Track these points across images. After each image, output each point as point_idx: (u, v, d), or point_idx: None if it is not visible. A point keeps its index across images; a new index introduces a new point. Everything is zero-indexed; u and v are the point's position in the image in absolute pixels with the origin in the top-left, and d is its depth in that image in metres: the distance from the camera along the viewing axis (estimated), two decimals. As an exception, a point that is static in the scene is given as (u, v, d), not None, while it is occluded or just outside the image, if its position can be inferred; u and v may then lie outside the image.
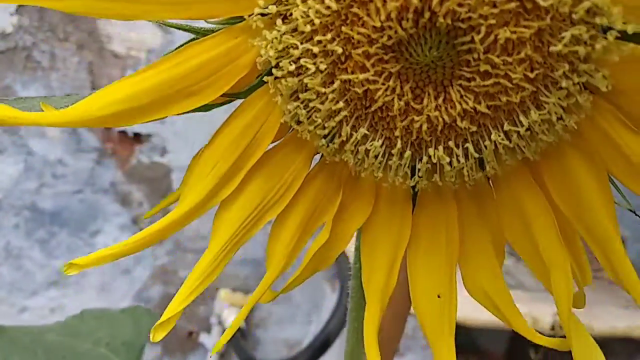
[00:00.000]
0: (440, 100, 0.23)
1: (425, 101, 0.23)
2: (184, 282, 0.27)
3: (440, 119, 0.23)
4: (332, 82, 0.22)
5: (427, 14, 0.20)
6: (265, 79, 0.24)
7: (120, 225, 1.28)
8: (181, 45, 0.25)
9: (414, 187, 0.27)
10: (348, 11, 0.21)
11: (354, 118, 0.24)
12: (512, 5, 0.20)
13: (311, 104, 0.23)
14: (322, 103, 0.23)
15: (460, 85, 0.22)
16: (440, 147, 0.24)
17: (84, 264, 0.26)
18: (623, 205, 0.27)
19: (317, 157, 0.28)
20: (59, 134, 1.19)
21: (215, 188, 0.26)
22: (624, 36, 0.21)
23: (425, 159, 0.24)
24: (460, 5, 0.19)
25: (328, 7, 0.21)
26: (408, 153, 0.24)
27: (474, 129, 0.23)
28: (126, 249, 0.26)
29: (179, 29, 0.25)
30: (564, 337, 0.27)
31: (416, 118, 0.23)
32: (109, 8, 0.22)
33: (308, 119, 0.24)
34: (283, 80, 0.23)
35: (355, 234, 0.33)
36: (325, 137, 0.25)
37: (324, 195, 0.28)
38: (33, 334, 0.58)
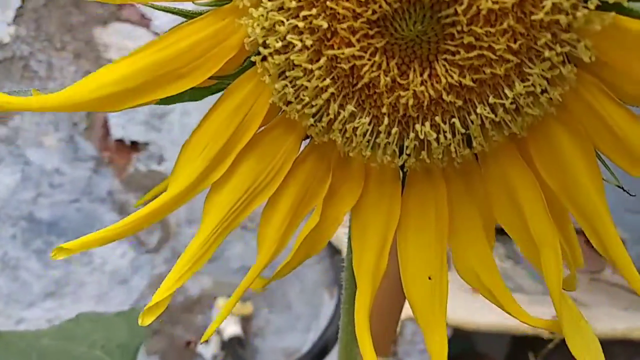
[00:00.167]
0: (425, 75, 0.23)
1: (411, 76, 0.23)
2: (174, 266, 0.27)
3: (426, 94, 0.23)
4: (319, 59, 0.23)
5: (410, -14, 0.20)
6: (253, 58, 0.24)
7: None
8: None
9: (402, 168, 0.28)
10: (333, -15, 0.21)
11: (341, 96, 0.24)
12: (493, -25, 0.20)
13: (298, 82, 0.24)
14: (309, 80, 0.23)
15: (445, 59, 0.22)
16: (427, 123, 0.24)
17: (73, 247, 0.26)
18: (611, 182, 0.27)
19: (306, 143, 0.29)
20: (56, 143, 1.20)
21: (205, 171, 0.26)
22: (605, 6, 0.21)
23: (412, 135, 0.24)
24: (441, -25, 0.20)
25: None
26: (395, 130, 0.24)
27: (460, 103, 0.23)
28: (115, 233, 0.26)
29: (167, 11, 0.25)
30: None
31: (402, 94, 0.23)
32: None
33: (296, 97, 0.24)
34: (270, 58, 0.23)
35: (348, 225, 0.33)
36: (313, 116, 0.25)
37: (314, 178, 0.28)
38: (28, 339, 0.58)
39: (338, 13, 0.22)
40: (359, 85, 0.23)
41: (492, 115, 0.23)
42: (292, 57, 0.23)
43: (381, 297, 0.40)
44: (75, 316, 0.59)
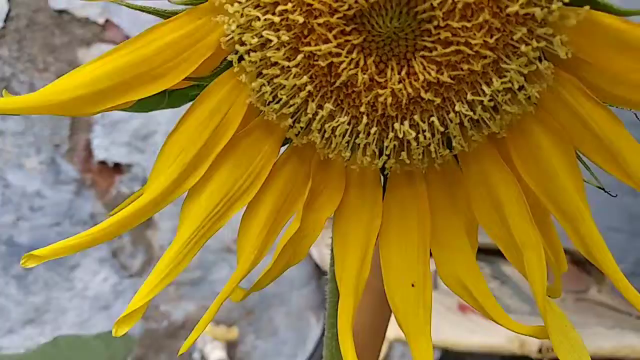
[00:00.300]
0: (403, 73, 0.23)
1: (389, 74, 0.23)
2: (149, 275, 0.26)
3: (405, 92, 0.23)
4: (296, 56, 0.22)
5: (385, -19, 0.20)
6: (230, 57, 0.24)
7: (99, 259, 1.26)
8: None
9: (383, 172, 0.27)
10: (308, -20, 0.21)
11: (320, 95, 0.24)
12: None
13: (276, 80, 0.23)
14: (287, 79, 0.23)
15: (422, 56, 0.22)
16: (406, 122, 0.23)
17: (45, 254, 0.25)
18: (591, 183, 0.27)
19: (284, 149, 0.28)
20: (37, 165, 1.18)
21: (181, 176, 0.26)
22: (580, 1, 0.21)
23: (391, 135, 0.24)
24: (417, -31, 0.20)
25: (288, -24, 0.21)
26: (375, 129, 0.24)
27: (439, 101, 0.23)
28: (88, 240, 0.25)
29: (142, 10, 0.25)
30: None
31: (380, 92, 0.23)
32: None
33: (274, 97, 0.24)
34: (247, 56, 0.23)
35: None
36: (292, 116, 0.24)
37: (294, 183, 0.27)
38: (4, 363, 0.56)
39: (314, 8, 0.21)
40: (337, 84, 0.23)
41: (471, 113, 0.23)
42: (268, 54, 0.23)
43: (365, 314, 0.39)
44: (53, 339, 0.57)
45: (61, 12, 1.20)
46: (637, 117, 0.26)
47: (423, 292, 0.27)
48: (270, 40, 0.22)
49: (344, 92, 0.24)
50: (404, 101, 0.23)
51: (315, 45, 0.22)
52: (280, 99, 0.24)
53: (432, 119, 0.23)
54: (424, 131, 0.24)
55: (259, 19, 0.22)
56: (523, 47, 0.22)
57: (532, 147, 0.25)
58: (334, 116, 0.24)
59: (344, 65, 0.22)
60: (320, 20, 0.21)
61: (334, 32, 0.22)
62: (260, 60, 0.23)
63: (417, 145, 0.24)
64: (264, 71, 0.23)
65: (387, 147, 0.24)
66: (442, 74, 0.22)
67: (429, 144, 0.24)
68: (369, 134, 0.24)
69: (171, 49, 0.24)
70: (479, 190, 0.26)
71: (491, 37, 0.21)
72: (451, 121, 0.23)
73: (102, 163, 1.22)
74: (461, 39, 0.21)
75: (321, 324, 1.38)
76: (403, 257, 0.27)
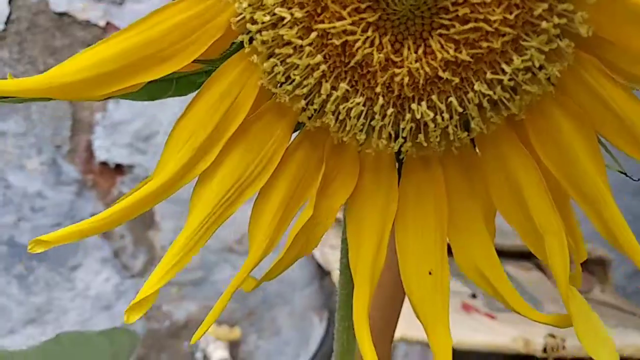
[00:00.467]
0: (420, 52, 0.22)
1: (405, 53, 0.22)
2: (159, 263, 0.26)
3: (422, 71, 0.22)
4: (309, 34, 0.22)
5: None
6: (240, 37, 0.23)
7: (101, 259, 1.25)
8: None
9: (398, 157, 0.27)
10: (322, -45, 0.20)
11: (334, 76, 0.23)
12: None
13: (289, 60, 0.23)
14: (300, 58, 0.22)
15: (440, 34, 0.22)
16: (424, 103, 0.23)
17: (51, 240, 0.24)
18: (613, 168, 0.26)
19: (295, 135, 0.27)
20: (39, 166, 1.18)
21: (191, 161, 0.25)
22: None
23: (408, 116, 0.23)
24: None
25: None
26: (391, 111, 0.23)
27: (457, 81, 0.22)
28: (96, 226, 0.25)
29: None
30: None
31: (397, 71, 0.22)
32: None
33: (286, 78, 0.23)
34: (259, 35, 0.22)
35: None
36: (305, 98, 0.24)
37: (306, 169, 0.27)
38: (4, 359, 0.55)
39: (329, -16, 0.21)
40: (352, 64, 0.23)
41: (490, 93, 0.22)
42: (281, 33, 0.22)
43: (374, 310, 0.38)
44: (55, 336, 0.57)
45: (62, 14, 1.19)
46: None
47: (441, 279, 0.27)
48: (283, 18, 0.22)
49: (358, 73, 0.23)
50: (421, 81, 0.22)
51: (329, 22, 0.21)
52: (294, 80, 0.23)
53: (450, 99, 0.23)
54: (441, 112, 0.23)
55: (272, -4, 0.21)
56: (544, 24, 0.21)
57: (552, 129, 0.24)
58: (348, 97, 0.23)
59: (358, 44, 0.22)
60: (335, -4, 0.21)
61: (348, 9, 0.21)
62: (273, 39, 0.23)
63: (435, 127, 0.23)
64: (277, 51, 0.23)
65: (403, 129, 0.24)
66: (460, 52, 0.22)
67: (447, 126, 0.23)
68: (385, 115, 0.23)
69: (180, 30, 0.23)
70: (497, 175, 0.26)
71: (510, 13, 0.21)
72: (470, 102, 0.23)
73: (104, 164, 1.22)
74: (480, 16, 0.21)
75: (324, 324, 1.37)
76: (420, 243, 0.27)
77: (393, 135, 0.24)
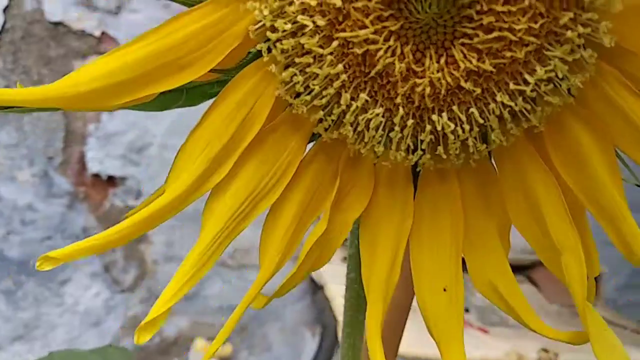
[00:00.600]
0: (442, 62, 0.22)
1: (427, 63, 0.22)
2: (170, 280, 0.25)
3: (444, 82, 0.22)
4: (330, 43, 0.21)
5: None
6: (259, 46, 0.23)
7: (91, 274, 1.23)
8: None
9: (414, 171, 0.26)
10: (346, -37, 0.20)
11: (353, 86, 0.23)
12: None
13: (308, 70, 0.22)
14: (321, 67, 0.22)
15: (462, 43, 0.21)
16: (444, 114, 0.22)
17: (61, 256, 0.23)
18: (629, 181, 0.26)
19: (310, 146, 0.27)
20: (30, 178, 1.16)
21: (205, 173, 0.24)
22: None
23: (428, 128, 0.23)
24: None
25: (327, -43, 0.20)
26: (411, 122, 0.23)
27: (478, 92, 0.22)
28: (106, 241, 0.24)
29: (167, -1, 0.24)
30: None
31: (418, 81, 0.22)
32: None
33: (305, 88, 0.23)
34: (278, 44, 0.22)
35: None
36: (323, 108, 0.23)
37: (320, 182, 0.26)
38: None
39: (351, -9, 0.20)
40: (372, 74, 0.22)
41: (512, 104, 0.22)
42: (302, 41, 0.22)
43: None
44: (48, 354, 0.55)
45: (57, 24, 1.19)
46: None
47: (456, 296, 0.26)
48: (304, 26, 0.21)
49: (378, 83, 0.23)
50: (443, 92, 0.22)
51: (352, 31, 0.21)
52: (312, 90, 0.23)
53: (471, 110, 0.22)
54: (462, 123, 0.23)
55: (293, 3, 0.21)
56: (569, 33, 0.21)
57: (571, 143, 0.24)
58: (367, 108, 0.23)
59: (380, 54, 0.21)
60: (358, 5, 0.20)
61: (370, 17, 0.21)
62: (292, 48, 0.22)
63: (455, 138, 0.23)
64: (296, 60, 0.22)
65: (422, 141, 0.23)
66: (483, 62, 0.21)
67: (467, 138, 0.23)
68: (404, 126, 0.23)
69: (196, 39, 0.23)
70: (514, 189, 0.25)
71: (535, 22, 0.20)
72: (491, 113, 0.22)
73: (96, 176, 1.20)
74: (504, 25, 0.21)
75: (317, 339, 1.36)
76: (435, 259, 0.26)
77: (412, 147, 0.24)
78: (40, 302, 1.17)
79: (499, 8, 0.20)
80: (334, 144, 0.25)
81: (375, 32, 0.21)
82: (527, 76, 0.22)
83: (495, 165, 0.26)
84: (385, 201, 0.26)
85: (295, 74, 0.23)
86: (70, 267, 1.18)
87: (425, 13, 0.21)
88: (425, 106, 0.23)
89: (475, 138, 0.23)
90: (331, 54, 0.22)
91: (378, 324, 0.26)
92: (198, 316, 1.30)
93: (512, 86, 0.22)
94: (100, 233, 0.24)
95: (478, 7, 0.20)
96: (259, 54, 0.24)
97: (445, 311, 0.26)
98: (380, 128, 0.23)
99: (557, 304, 1.33)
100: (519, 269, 1.34)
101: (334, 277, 1.22)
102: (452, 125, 0.23)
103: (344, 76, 0.22)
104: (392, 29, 0.21)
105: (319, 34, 0.21)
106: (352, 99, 0.23)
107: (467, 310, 1.18)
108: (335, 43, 0.21)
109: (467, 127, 0.23)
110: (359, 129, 0.24)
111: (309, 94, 0.23)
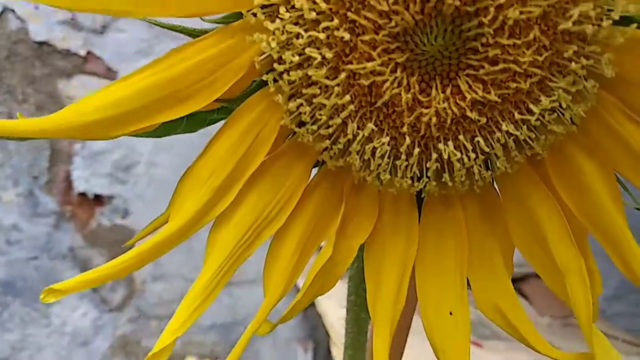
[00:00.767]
0: (448, 92, 0.22)
1: (432, 93, 0.22)
2: (176, 310, 0.25)
3: (450, 111, 0.22)
4: (338, 74, 0.22)
5: (434, -3, 0.20)
6: (265, 77, 0.23)
7: (78, 293, 1.21)
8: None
9: (418, 197, 0.26)
10: (354, -4, 0.20)
11: (359, 116, 0.23)
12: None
13: (315, 100, 0.22)
14: (328, 98, 0.22)
15: (467, 74, 0.22)
16: (450, 143, 0.23)
17: (65, 288, 0.23)
18: (630, 205, 0.26)
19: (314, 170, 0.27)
20: (15, 198, 1.14)
21: (210, 202, 0.24)
22: (626, 21, 0.21)
23: (434, 156, 0.23)
24: (468, -15, 0.19)
25: (335, -9, 0.20)
26: (417, 150, 0.23)
27: (483, 121, 0.22)
28: (112, 272, 0.24)
29: (171, 29, 0.24)
30: None
31: (424, 112, 0.22)
32: (96, 2, 0.21)
33: (312, 117, 0.23)
34: (285, 75, 0.22)
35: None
36: (329, 137, 0.23)
37: (324, 209, 0.26)
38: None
39: (359, 25, 0.21)
40: (378, 104, 0.22)
41: (517, 132, 0.22)
42: (309, 73, 0.22)
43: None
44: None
45: (42, 43, 1.18)
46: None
47: (462, 319, 0.26)
48: (312, 58, 0.21)
49: (384, 112, 0.23)
50: (448, 121, 0.22)
51: (359, 63, 0.21)
52: (319, 120, 0.23)
53: (476, 139, 0.23)
54: (467, 152, 0.23)
55: (302, 36, 0.21)
56: (572, 65, 0.21)
57: (573, 169, 0.24)
58: (373, 137, 0.23)
59: (387, 85, 0.22)
60: (366, 38, 0.21)
61: (377, 50, 0.21)
62: (300, 79, 0.22)
63: (461, 166, 0.23)
64: (303, 90, 0.22)
65: (428, 169, 0.23)
66: (488, 92, 0.21)
67: (472, 166, 0.23)
68: (410, 155, 0.23)
69: (201, 69, 0.23)
70: (517, 214, 0.26)
71: (540, 55, 0.21)
72: (496, 141, 0.23)
73: (82, 195, 1.19)
74: (510, 57, 0.21)
75: (309, 356, 1.35)
76: (440, 284, 0.26)
77: (417, 175, 0.24)
78: (27, 323, 1.15)
79: (505, 41, 0.20)
80: (339, 171, 0.25)
81: (382, 64, 0.21)
82: (531, 106, 0.22)
83: (498, 190, 0.26)
84: (389, 227, 0.26)
85: (302, 104, 0.23)
86: (56, 287, 1.16)
87: (431, 45, 0.21)
88: (431, 135, 0.23)
89: (480, 165, 0.24)
90: (338, 85, 0.22)
91: (386, 350, 0.26)
92: (189, 336, 1.28)
93: (517, 116, 0.22)
94: (104, 264, 0.24)
95: (483, 40, 0.21)
96: (262, 83, 0.24)
97: (451, 335, 0.26)
98: (387, 156, 0.23)
99: (548, 316, 1.34)
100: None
101: (327, 294, 1.21)
102: (458, 154, 0.23)
103: (350, 106, 0.22)
104: (399, 60, 0.21)
105: (326, 65, 0.21)
106: (359, 128, 0.23)
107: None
108: (342, 75, 0.21)
109: (472, 155, 0.23)
110: (365, 157, 0.24)
111: (314, 123, 0.23)
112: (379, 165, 0.24)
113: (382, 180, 0.24)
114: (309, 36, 0.21)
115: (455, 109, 0.22)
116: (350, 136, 0.23)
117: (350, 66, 0.21)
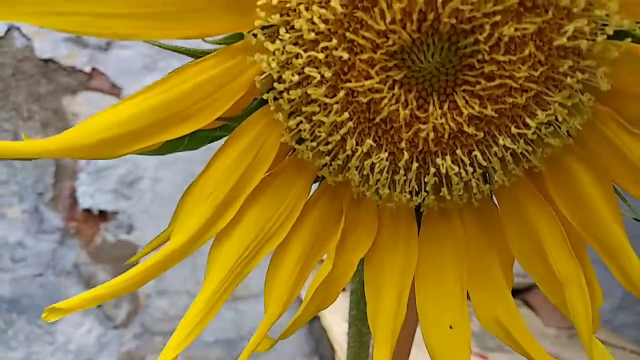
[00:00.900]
0: (445, 108, 0.22)
1: (430, 109, 0.22)
2: (178, 326, 0.25)
3: (447, 127, 0.22)
4: (337, 93, 0.22)
5: (430, 16, 0.20)
6: (265, 96, 0.23)
7: (83, 310, 1.21)
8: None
9: (417, 210, 0.27)
10: (352, 16, 0.21)
11: (358, 132, 0.23)
12: (513, 1, 0.20)
13: (315, 118, 0.23)
14: (327, 115, 0.22)
15: (464, 90, 0.22)
16: (448, 157, 0.23)
17: (67, 307, 0.23)
18: (628, 216, 0.27)
19: (315, 186, 0.27)
20: (20, 214, 1.15)
21: (212, 218, 0.25)
22: (620, 35, 0.21)
23: (432, 170, 0.23)
24: (463, 3, 0.20)
25: (334, 12, 0.20)
26: (415, 165, 0.23)
27: (480, 136, 0.23)
28: (115, 290, 0.24)
29: (173, 50, 0.24)
30: None
31: (422, 127, 0.22)
32: (102, 26, 0.21)
33: (311, 134, 0.23)
34: (285, 94, 0.22)
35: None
36: (329, 153, 0.24)
37: (324, 224, 0.26)
38: None
39: (357, 44, 0.21)
40: (376, 120, 0.23)
41: (514, 146, 0.23)
42: (309, 91, 0.22)
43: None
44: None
45: (47, 60, 1.19)
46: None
47: (462, 333, 0.26)
48: (311, 77, 0.22)
49: (382, 128, 0.23)
50: (446, 136, 0.23)
51: (357, 81, 0.22)
52: (319, 136, 0.23)
53: (474, 153, 0.23)
54: (465, 166, 0.23)
55: (301, 56, 0.21)
56: (568, 80, 0.21)
57: (571, 181, 0.25)
58: (371, 153, 0.24)
59: (385, 102, 0.22)
60: (364, 56, 0.21)
61: (375, 68, 0.21)
62: (299, 97, 0.23)
63: (459, 180, 0.23)
64: (303, 109, 0.23)
65: (427, 183, 0.24)
66: (485, 107, 0.22)
67: (470, 179, 0.24)
68: (409, 169, 0.23)
69: (203, 89, 0.23)
70: (516, 226, 0.26)
71: (535, 70, 0.21)
72: (494, 155, 0.23)
73: (87, 211, 1.19)
74: (505, 73, 0.21)
75: (314, 371, 1.34)
76: (440, 297, 0.26)
77: (416, 189, 0.24)
78: (32, 340, 1.15)
79: (500, 57, 0.21)
80: (338, 186, 0.26)
81: (380, 82, 0.22)
82: (528, 120, 0.22)
83: (496, 203, 0.27)
84: (389, 241, 0.27)
85: (302, 122, 0.23)
86: (61, 304, 1.16)
87: (428, 62, 0.21)
88: (429, 150, 0.23)
89: (477, 179, 0.24)
90: (337, 103, 0.22)
91: (386, 362, 0.26)
92: (192, 351, 1.28)
93: (513, 130, 0.22)
94: (107, 282, 0.24)
95: (480, 57, 0.21)
96: (263, 102, 0.24)
97: (452, 348, 0.26)
98: (385, 171, 0.24)
99: (554, 326, 1.33)
100: (514, 292, 1.34)
101: (331, 308, 1.21)
102: (456, 168, 0.23)
103: (349, 123, 0.23)
104: (396, 78, 0.22)
105: (325, 84, 0.22)
106: (357, 144, 0.23)
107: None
108: (341, 93, 0.22)
109: (470, 169, 0.23)
110: (364, 172, 0.24)
111: (314, 140, 0.23)
112: (378, 180, 0.24)
113: (381, 195, 0.25)
114: (308, 56, 0.21)
115: (452, 124, 0.22)
116: (349, 152, 0.23)
117: (348, 84, 0.22)
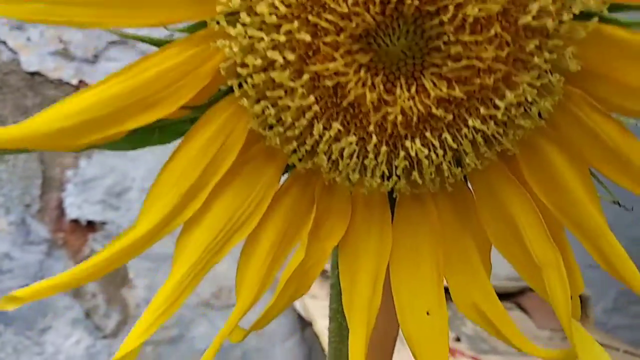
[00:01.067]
0: (413, 90, 0.22)
1: (397, 92, 0.22)
2: (142, 315, 0.24)
3: (415, 110, 0.22)
4: (301, 75, 0.22)
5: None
6: (230, 82, 0.23)
7: (72, 320, 1.20)
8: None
9: (391, 196, 0.26)
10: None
11: (325, 117, 0.23)
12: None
13: (280, 102, 0.22)
14: (292, 100, 0.22)
15: (432, 73, 0.22)
16: (417, 140, 0.23)
17: (24, 296, 0.23)
18: (606, 199, 0.26)
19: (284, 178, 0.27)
20: (7, 226, 1.14)
21: (176, 208, 0.24)
22: (588, 15, 0.21)
23: (402, 154, 0.23)
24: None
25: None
26: (384, 149, 0.23)
27: (450, 118, 0.22)
28: (72, 279, 0.23)
29: (137, 39, 0.24)
30: None
31: (390, 110, 0.22)
32: (61, 14, 0.21)
33: (278, 120, 0.23)
34: (249, 79, 0.22)
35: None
36: (296, 139, 0.24)
37: (296, 213, 0.26)
38: None
39: (320, 27, 0.21)
40: (344, 105, 0.22)
41: (484, 128, 0.23)
42: (273, 75, 0.22)
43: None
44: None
45: (33, 74, 1.18)
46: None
47: (439, 319, 0.26)
48: (274, 61, 0.22)
49: (350, 113, 0.23)
50: (415, 119, 0.22)
51: (322, 64, 0.21)
52: (285, 122, 0.23)
53: (444, 135, 0.23)
54: (435, 148, 0.23)
55: (263, 40, 0.21)
56: (535, 59, 0.21)
57: (545, 164, 0.24)
58: (340, 137, 0.23)
59: (351, 85, 0.22)
60: (328, 40, 0.21)
61: (340, 51, 0.21)
62: (264, 82, 0.22)
63: (429, 164, 0.23)
64: (268, 93, 0.23)
65: (397, 167, 0.24)
66: (453, 89, 0.22)
67: (441, 163, 0.23)
68: (378, 154, 0.23)
69: (167, 76, 0.23)
70: (491, 210, 0.26)
71: (502, 50, 0.21)
72: (464, 137, 0.23)
73: (75, 222, 1.18)
74: (472, 53, 0.21)
75: (308, 378, 1.33)
76: (416, 283, 0.26)
77: (387, 174, 0.24)
78: (20, 352, 1.13)
79: (466, 38, 0.21)
80: (309, 174, 0.25)
81: (345, 65, 0.21)
82: (497, 101, 0.22)
83: (471, 188, 0.26)
84: (362, 227, 0.26)
85: (267, 107, 0.23)
86: (50, 314, 1.15)
87: (394, 46, 0.21)
88: (398, 133, 0.23)
89: (449, 162, 0.24)
90: (302, 86, 0.22)
91: (362, 352, 0.26)
92: (184, 358, 1.27)
93: (483, 111, 0.22)
94: (68, 270, 0.24)
95: (445, 39, 0.21)
96: (229, 90, 0.24)
97: (429, 335, 0.26)
98: (355, 156, 0.23)
99: (548, 329, 1.33)
100: (507, 296, 1.34)
101: (323, 313, 1.20)
102: (426, 151, 0.23)
103: (315, 107, 0.22)
104: (362, 61, 0.21)
105: (289, 68, 0.22)
106: (325, 128, 0.23)
107: (458, 339, 1.17)
108: (306, 76, 0.22)
109: (440, 152, 0.23)
110: (333, 157, 0.24)
111: (281, 125, 0.23)
112: (348, 164, 0.24)
113: (352, 180, 0.24)
114: (271, 39, 0.21)
115: (420, 107, 0.22)
116: (317, 137, 0.23)
117: (313, 67, 0.21)
